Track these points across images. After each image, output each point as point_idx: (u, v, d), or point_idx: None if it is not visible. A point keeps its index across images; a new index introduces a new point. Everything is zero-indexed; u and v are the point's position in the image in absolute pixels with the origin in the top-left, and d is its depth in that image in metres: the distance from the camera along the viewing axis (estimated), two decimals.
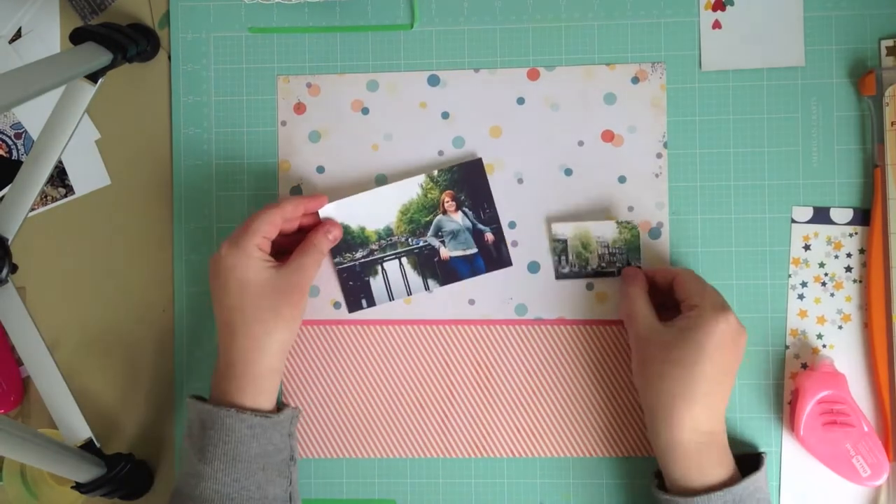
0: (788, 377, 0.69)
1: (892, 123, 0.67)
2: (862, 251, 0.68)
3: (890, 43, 0.68)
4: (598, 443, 0.70)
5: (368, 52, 0.71)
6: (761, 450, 0.68)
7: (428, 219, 0.70)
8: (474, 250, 0.70)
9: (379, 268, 0.70)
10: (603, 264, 0.69)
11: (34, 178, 0.65)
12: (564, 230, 0.69)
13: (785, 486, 0.68)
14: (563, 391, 0.70)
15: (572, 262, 0.69)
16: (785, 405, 0.68)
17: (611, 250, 0.68)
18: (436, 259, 0.70)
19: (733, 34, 0.70)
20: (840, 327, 0.69)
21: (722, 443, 0.62)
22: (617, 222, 0.68)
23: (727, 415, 0.68)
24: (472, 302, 0.71)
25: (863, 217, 0.68)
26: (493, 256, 0.70)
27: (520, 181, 0.71)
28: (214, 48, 0.72)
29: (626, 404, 0.69)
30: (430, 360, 0.71)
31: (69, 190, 0.73)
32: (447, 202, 0.69)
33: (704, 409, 0.60)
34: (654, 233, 0.70)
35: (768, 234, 0.69)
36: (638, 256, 0.69)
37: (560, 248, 0.69)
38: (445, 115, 0.71)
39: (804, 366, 0.69)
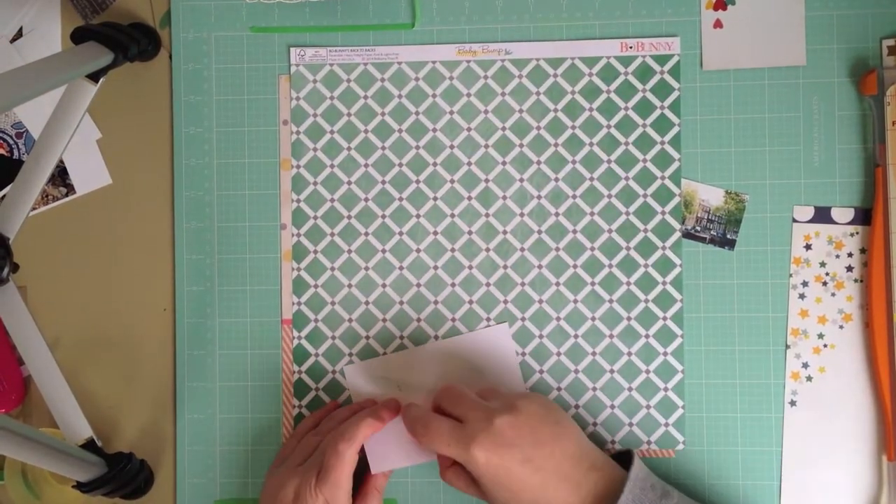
0: (789, 377, 0.69)
1: (894, 123, 0.66)
2: (863, 251, 0.68)
3: (891, 42, 0.68)
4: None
5: None
6: (763, 449, 0.68)
7: None
8: None
9: None
10: (698, 227, 0.68)
11: (35, 177, 0.64)
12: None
13: (785, 486, 0.68)
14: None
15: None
16: (785, 405, 0.68)
17: (710, 216, 0.68)
18: None
19: (734, 33, 0.69)
20: (841, 327, 0.69)
21: (600, 470, 0.59)
22: (727, 191, 0.68)
23: (727, 414, 0.68)
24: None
25: (864, 216, 0.68)
26: None
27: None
28: (216, 47, 0.72)
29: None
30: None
31: (70, 189, 0.73)
32: None
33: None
34: None
35: (769, 234, 0.69)
36: (736, 230, 0.68)
37: None
38: None
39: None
